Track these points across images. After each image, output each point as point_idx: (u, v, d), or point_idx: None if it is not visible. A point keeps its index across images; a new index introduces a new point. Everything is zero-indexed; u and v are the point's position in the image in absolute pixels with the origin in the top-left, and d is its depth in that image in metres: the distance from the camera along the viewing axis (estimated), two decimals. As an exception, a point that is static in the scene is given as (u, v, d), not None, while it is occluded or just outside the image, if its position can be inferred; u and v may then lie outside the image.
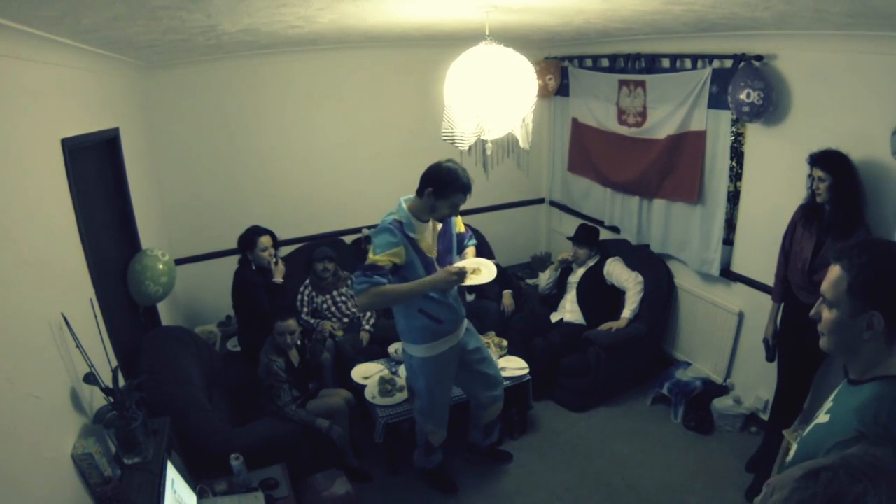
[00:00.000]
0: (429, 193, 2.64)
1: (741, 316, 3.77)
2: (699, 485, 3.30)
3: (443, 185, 2.62)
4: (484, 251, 4.69)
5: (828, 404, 1.31)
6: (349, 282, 4.27)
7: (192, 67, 4.10)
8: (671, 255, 4.24)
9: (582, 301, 4.19)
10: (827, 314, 1.26)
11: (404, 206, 2.72)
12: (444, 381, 3.04)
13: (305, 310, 4.14)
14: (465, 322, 3.09)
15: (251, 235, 3.74)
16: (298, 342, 3.38)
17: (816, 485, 0.71)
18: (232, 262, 3.87)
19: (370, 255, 2.64)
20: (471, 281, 2.71)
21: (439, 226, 2.82)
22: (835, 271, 1.24)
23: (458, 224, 3.01)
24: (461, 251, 3.04)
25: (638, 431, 3.81)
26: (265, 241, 3.74)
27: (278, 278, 3.75)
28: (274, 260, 3.80)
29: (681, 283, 4.24)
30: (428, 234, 2.77)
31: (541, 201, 5.83)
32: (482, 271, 2.74)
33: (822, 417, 1.28)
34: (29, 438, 1.72)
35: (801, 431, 2.82)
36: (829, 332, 1.27)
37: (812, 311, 1.32)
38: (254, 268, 3.76)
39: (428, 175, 2.65)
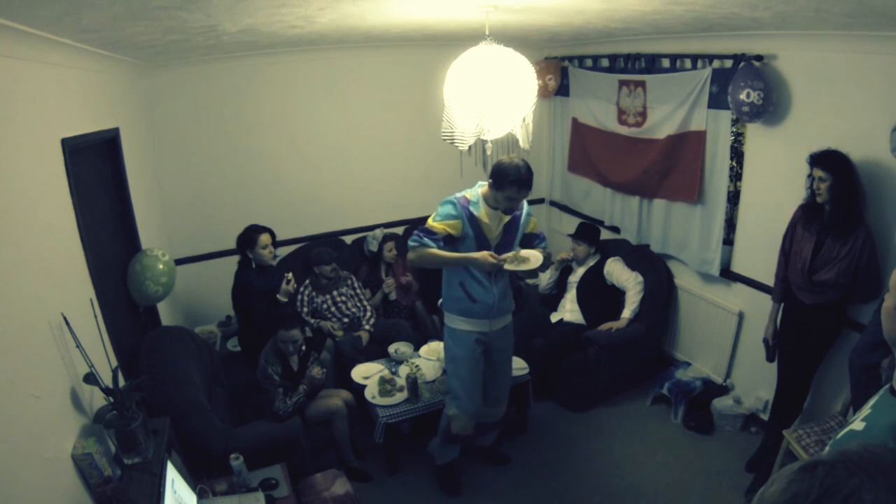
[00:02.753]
0: (490, 185, 2.82)
1: (741, 316, 3.77)
2: (699, 485, 3.30)
3: (499, 178, 2.76)
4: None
5: (865, 410, 1.26)
6: (349, 281, 4.28)
7: (192, 67, 4.10)
8: (671, 255, 4.24)
9: (582, 301, 4.19)
10: (889, 301, 1.24)
11: (478, 189, 2.91)
12: (469, 360, 3.08)
13: (305, 310, 4.14)
14: (506, 320, 3.19)
15: (251, 234, 3.73)
16: (303, 348, 3.37)
17: (813, 477, 0.70)
18: (232, 262, 3.87)
19: (429, 221, 2.87)
20: (518, 268, 2.84)
21: (507, 218, 2.95)
22: None
23: (533, 225, 3.13)
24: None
25: (638, 431, 3.81)
26: (265, 238, 3.73)
27: (283, 298, 3.71)
28: (287, 278, 3.74)
29: (681, 283, 4.24)
30: (494, 220, 2.91)
31: (541, 201, 5.83)
32: (531, 261, 2.86)
33: (857, 424, 1.24)
34: (29, 438, 1.72)
35: (801, 432, 2.84)
36: (885, 317, 1.25)
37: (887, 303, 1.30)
38: (254, 266, 3.74)
39: (493, 167, 2.80)
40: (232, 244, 3.85)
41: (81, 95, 2.84)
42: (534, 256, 2.88)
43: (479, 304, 2.99)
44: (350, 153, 4.83)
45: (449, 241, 2.87)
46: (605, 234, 4.71)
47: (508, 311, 3.19)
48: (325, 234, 4.86)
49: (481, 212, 2.87)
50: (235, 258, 3.83)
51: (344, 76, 4.63)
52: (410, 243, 2.87)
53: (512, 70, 2.38)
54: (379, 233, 4.58)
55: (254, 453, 2.74)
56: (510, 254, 2.89)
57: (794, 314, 3.11)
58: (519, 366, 3.75)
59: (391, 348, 3.95)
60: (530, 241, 3.12)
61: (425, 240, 2.83)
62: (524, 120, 2.57)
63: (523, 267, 2.84)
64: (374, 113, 4.81)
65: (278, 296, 3.68)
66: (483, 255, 2.83)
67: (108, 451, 2.17)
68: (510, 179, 2.73)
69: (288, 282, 3.72)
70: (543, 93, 4.91)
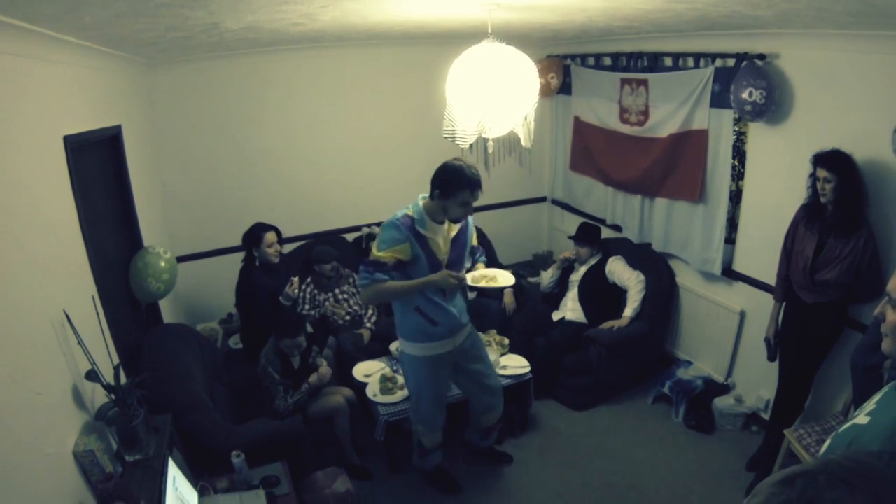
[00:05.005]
0: (437, 196, 2.65)
1: (742, 315, 3.77)
2: (700, 484, 3.30)
3: (448, 185, 2.60)
4: (486, 250, 4.68)
5: (870, 405, 1.24)
6: (351, 279, 4.28)
7: (194, 65, 4.10)
8: (673, 254, 4.24)
9: (583, 300, 4.19)
10: (892, 316, 1.19)
11: (420, 203, 2.73)
12: (433, 385, 3.01)
13: (307, 307, 4.14)
14: (468, 330, 3.07)
15: (257, 231, 3.71)
16: (304, 345, 3.37)
17: (792, 490, 0.68)
18: (233, 260, 3.87)
19: (374, 251, 2.66)
20: (487, 284, 2.74)
21: (454, 231, 2.81)
22: None
23: (475, 237, 3.01)
24: (473, 265, 3.02)
25: (639, 430, 3.81)
26: (271, 237, 3.72)
27: (286, 302, 3.69)
28: (292, 281, 3.72)
29: (682, 282, 4.24)
30: (441, 236, 2.77)
31: (543, 199, 5.83)
32: (499, 279, 2.76)
33: (862, 418, 1.22)
34: (30, 435, 1.72)
35: (802, 432, 2.83)
36: (893, 334, 1.20)
37: (876, 311, 1.25)
38: (259, 264, 3.74)
39: (434, 177, 2.65)
40: (234, 242, 3.85)
41: (84, 93, 2.84)
42: (502, 275, 2.77)
43: (441, 325, 2.85)
44: (352, 150, 4.83)
45: (399, 268, 2.68)
46: (607, 233, 4.71)
47: (468, 322, 3.07)
48: (327, 232, 4.86)
49: (428, 229, 2.69)
50: (237, 255, 3.83)
51: (346, 73, 4.63)
52: (360, 282, 2.69)
53: (514, 68, 2.37)
54: (366, 230, 4.63)
55: (255, 451, 2.74)
56: (476, 274, 2.80)
57: (795, 314, 3.10)
58: (520, 364, 3.75)
59: (392, 346, 3.95)
60: (472, 254, 3.01)
61: (376, 275, 2.63)
62: (526, 118, 2.56)
63: (493, 284, 2.73)
64: (375, 110, 4.81)
65: (281, 299, 3.67)
66: (442, 275, 2.66)
67: (110, 448, 2.18)
68: (462, 182, 2.57)
69: (291, 284, 3.71)
70: (545, 91, 4.91)
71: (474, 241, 3.02)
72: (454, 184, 2.59)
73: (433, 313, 2.82)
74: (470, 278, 2.75)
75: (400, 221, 2.67)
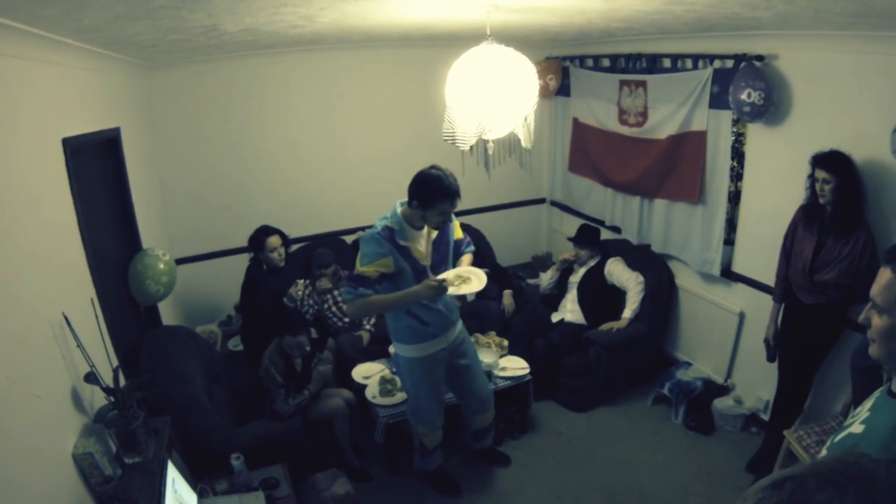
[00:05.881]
0: (415, 206, 2.63)
1: (742, 316, 3.77)
2: (700, 485, 3.29)
3: (427, 196, 2.58)
4: (485, 251, 4.69)
5: (863, 413, 1.24)
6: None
7: (193, 67, 4.10)
8: (672, 256, 4.24)
9: (583, 301, 4.19)
10: (877, 320, 1.19)
11: (398, 211, 2.71)
12: (430, 383, 3.02)
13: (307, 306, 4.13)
14: (459, 326, 3.07)
15: (260, 236, 3.73)
16: (307, 349, 3.37)
17: (781, 493, 0.69)
18: (233, 262, 3.88)
19: (357, 265, 2.65)
20: (460, 291, 2.68)
21: (434, 233, 2.80)
22: (885, 275, 1.15)
23: (457, 230, 2.98)
24: (457, 258, 2.99)
25: (638, 432, 3.81)
26: (274, 241, 3.74)
27: (289, 303, 3.68)
28: (297, 283, 3.72)
29: (682, 284, 4.24)
30: (422, 241, 2.76)
31: (542, 201, 5.83)
32: (472, 280, 2.70)
33: (857, 427, 1.22)
34: (29, 437, 1.72)
35: (802, 433, 2.83)
36: (879, 338, 1.19)
37: (861, 317, 1.25)
38: (265, 268, 3.75)
39: (412, 186, 2.62)
40: (233, 243, 3.87)
41: (82, 95, 2.84)
42: (476, 276, 2.71)
43: (432, 325, 2.86)
44: (351, 153, 4.83)
45: (383, 280, 2.68)
46: (606, 234, 4.71)
47: (458, 319, 3.08)
48: (326, 234, 4.86)
49: (409, 239, 2.70)
50: (237, 257, 3.85)
51: (345, 76, 4.63)
52: (344, 297, 2.70)
53: (513, 70, 2.37)
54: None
55: (255, 453, 2.74)
56: (450, 274, 2.72)
57: (794, 314, 3.10)
58: (520, 366, 3.75)
59: (392, 348, 3.95)
60: (457, 247, 2.99)
61: (360, 289, 2.63)
62: (526, 119, 2.56)
63: (465, 289, 2.67)
64: (375, 113, 4.81)
65: (284, 300, 3.68)
66: (423, 286, 2.63)
67: (109, 451, 2.18)
68: (442, 193, 2.56)
69: (295, 285, 3.72)
70: (544, 93, 4.91)
71: (459, 234, 2.99)
72: (433, 195, 2.57)
73: (423, 314, 2.84)
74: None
75: (380, 234, 2.65)
